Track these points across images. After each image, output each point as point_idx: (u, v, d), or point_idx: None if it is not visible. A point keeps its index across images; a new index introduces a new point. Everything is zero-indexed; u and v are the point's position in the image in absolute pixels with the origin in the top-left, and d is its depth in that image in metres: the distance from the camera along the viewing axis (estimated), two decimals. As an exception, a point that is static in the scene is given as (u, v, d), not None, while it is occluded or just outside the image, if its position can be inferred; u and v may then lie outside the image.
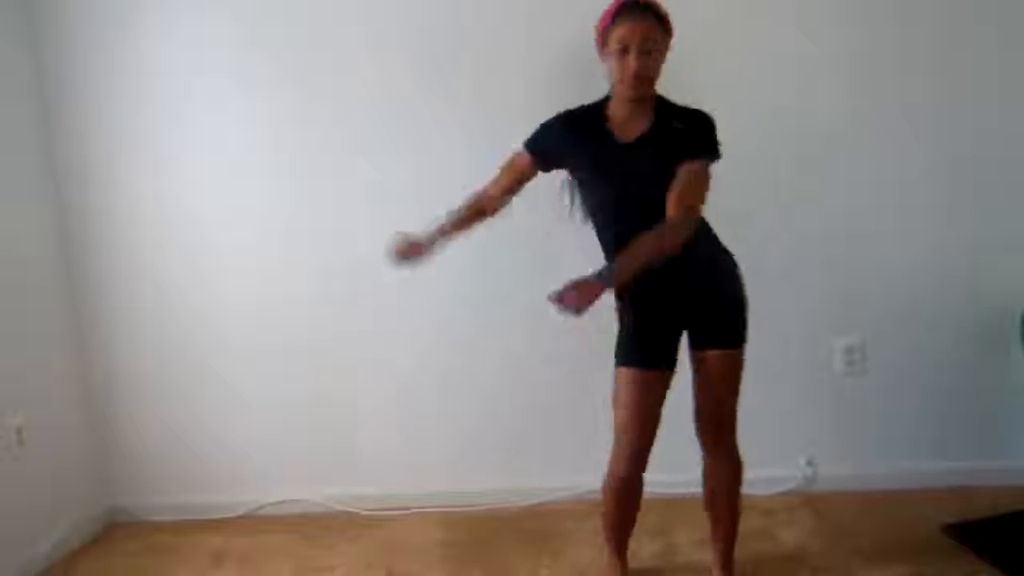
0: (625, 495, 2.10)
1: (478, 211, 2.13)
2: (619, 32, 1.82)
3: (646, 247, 1.82)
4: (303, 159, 2.68)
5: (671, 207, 1.86)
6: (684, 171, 1.86)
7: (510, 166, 2.09)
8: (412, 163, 2.64)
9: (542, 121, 2.04)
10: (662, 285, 1.94)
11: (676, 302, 1.98)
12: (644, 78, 1.84)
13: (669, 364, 2.01)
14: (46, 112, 2.70)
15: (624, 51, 1.82)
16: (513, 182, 2.09)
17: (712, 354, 1.99)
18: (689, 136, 1.89)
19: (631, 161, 1.90)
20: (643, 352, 2.00)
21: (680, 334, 2.02)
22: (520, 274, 2.62)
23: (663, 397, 2.02)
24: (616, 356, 2.03)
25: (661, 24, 1.85)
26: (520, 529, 2.61)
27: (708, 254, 1.98)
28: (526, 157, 2.05)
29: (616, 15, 1.84)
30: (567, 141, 1.98)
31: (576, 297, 1.70)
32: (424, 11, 2.58)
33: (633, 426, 2.00)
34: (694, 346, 2.02)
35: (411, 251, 2.08)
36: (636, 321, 2.01)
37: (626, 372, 2.00)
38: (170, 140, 2.69)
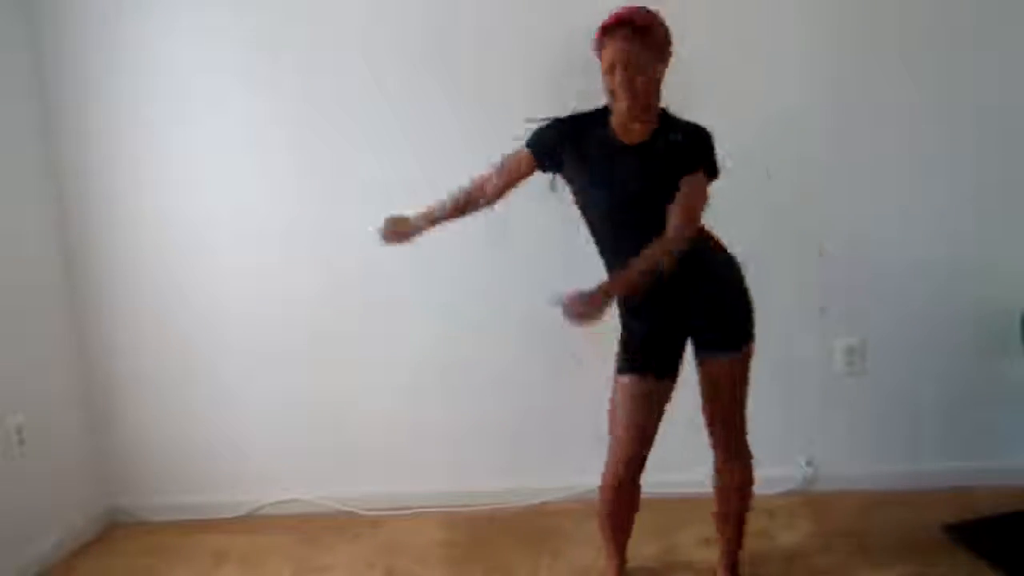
0: (618, 501, 2.09)
1: (471, 201, 2.10)
2: (606, 52, 1.81)
3: (644, 260, 1.82)
4: (303, 159, 2.68)
5: (670, 218, 1.85)
6: (684, 183, 1.85)
7: (509, 160, 2.05)
8: (412, 163, 2.63)
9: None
10: (663, 294, 1.92)
11: (676, 311, 1.97)
12: (635, 95, 1.80)
13: (669, 373, 2.00)
14: (46, 112, 2.70)
15: (611, 70, 1.81)
16: (510, 177, 2.06)
17: (712, 360, 1.98)
18: (686, 149, 1.87)
19: (628, 164, 1.89)
20: (642, 360, 1.98)
21: (682, 343, 2.01)
22: (520, 275, 2.62)
23: (662, 406, 2.01)
24: (616, 364, 2.03)
25: (649, 43, 1.80)
26: (520, 529, 2.61)
27: (708, 259, 1.97)
28: (526, 154, 2.03)
29: (604, 33, 1.82)
30: (568, 141, 1.96)
31: (578, 308, 1.73)
32: (424, 11, 2.58)
33: (627, 434, 1.99)
34: (696, 352, 2.01)
35: (400, 235, 2.10)
36: (636, 329, 2.00)
37: (623, 379, 2.00)
38: (170, 140, 2.69)
